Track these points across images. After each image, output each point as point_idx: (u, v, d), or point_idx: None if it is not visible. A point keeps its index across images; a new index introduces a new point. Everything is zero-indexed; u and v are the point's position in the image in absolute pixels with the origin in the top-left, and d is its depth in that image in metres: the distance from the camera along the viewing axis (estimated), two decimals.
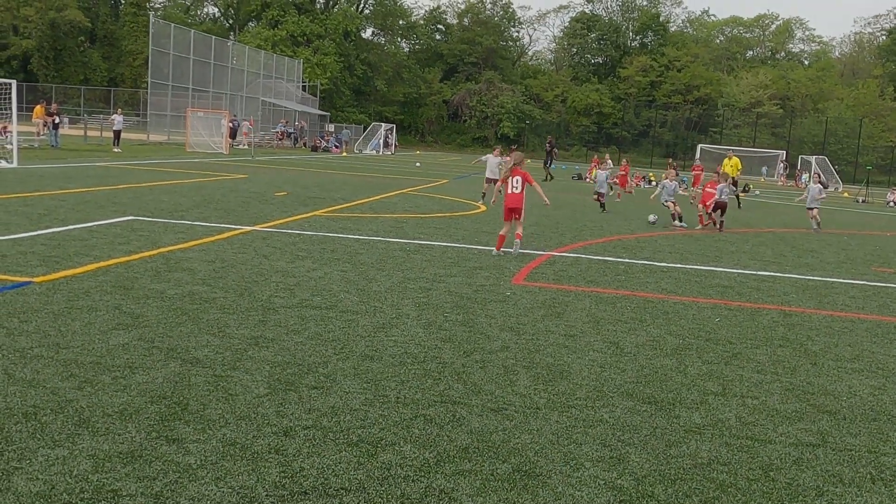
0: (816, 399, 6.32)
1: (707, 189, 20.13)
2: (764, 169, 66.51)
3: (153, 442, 4.55)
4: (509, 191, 12.86)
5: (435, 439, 4.90)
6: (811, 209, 21.72)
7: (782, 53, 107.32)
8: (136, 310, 7.44)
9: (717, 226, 19.32)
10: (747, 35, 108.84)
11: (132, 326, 6.87)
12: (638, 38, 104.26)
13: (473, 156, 74.90)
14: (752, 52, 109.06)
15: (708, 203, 19.70)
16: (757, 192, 42.70)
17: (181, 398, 5.26)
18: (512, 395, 5.85)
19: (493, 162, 22.64)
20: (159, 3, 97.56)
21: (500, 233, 12.82)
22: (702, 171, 31.65)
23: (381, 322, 7.68)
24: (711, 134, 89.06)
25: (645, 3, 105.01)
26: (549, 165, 42.10)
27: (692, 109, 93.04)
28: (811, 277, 12.74)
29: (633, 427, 5.38)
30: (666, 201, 20.10)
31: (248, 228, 13.49)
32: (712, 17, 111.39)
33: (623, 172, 30.93)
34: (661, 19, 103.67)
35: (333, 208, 17.65)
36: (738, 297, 10.43)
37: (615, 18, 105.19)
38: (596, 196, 22.52)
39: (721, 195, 19.40)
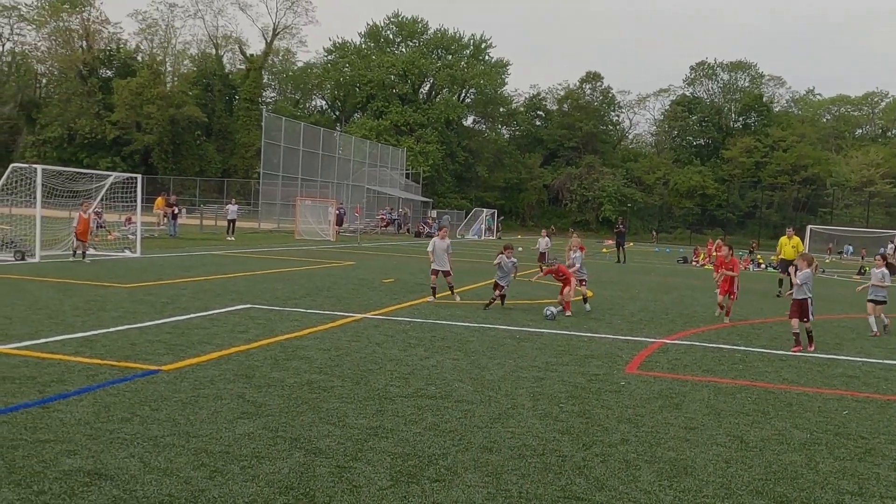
0: None
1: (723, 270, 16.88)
2: (848, 248, 64.42)
3: None
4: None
5: None
6: (872, 301, 15.54)
7: (893, 131, 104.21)
8: (259, 398, 7.64)
9: (809, 343, 12.86)
10: (855, 113, 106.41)
11: (256, 415, 7.05)
12: (741, 118, 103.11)
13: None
14: (861, 130, 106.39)
15: (735, 292, 16.78)
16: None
17: (308, 489, 5.34)
18: (636, 491, 5.71)
19: (440, 246, 17.43)
20: (270, 98, 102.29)
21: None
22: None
23: (496, 412, 7.66)
24: (821, 214, 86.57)
25: (747, 84, 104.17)
26: (623, 246, 41.17)
27: (800, 190, 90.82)
28: None
29: None
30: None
31: (360, 316, 13.74)
32: (818, 97, 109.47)
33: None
34: (764, 100, 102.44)
35: (440, 295, 17.82)
36: (865, 388, 9.98)
37: (717, 100, 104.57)
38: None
39: (800, 290, 12.98)
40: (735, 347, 12.75)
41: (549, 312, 15.08)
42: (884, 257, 16.92)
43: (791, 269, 16.02)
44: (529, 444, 6.67)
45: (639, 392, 8.94)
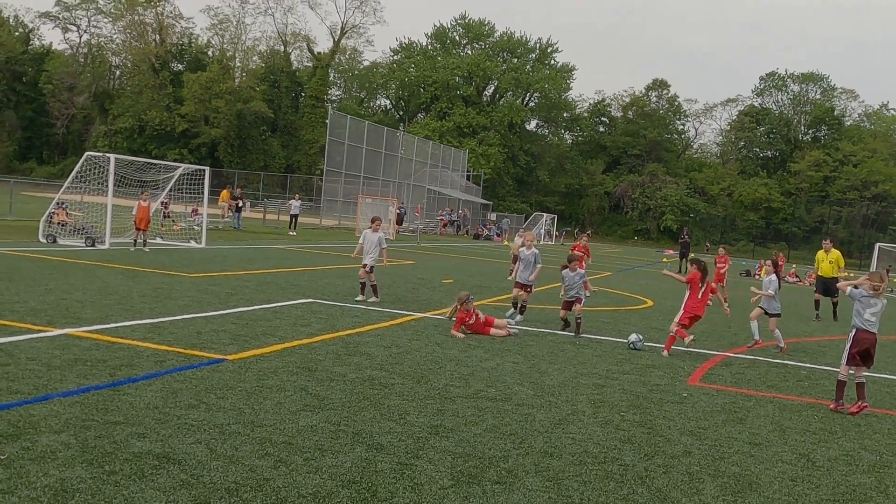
0: None
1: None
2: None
3: None
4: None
5: None
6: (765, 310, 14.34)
7: None
8: (321, 392, 7.72)
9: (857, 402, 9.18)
10: None
11: (319, 408, 7.12)
12: (810, 132, 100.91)
13: (634, 248, 73.85)
14: None
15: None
16: None
17: (370, 484, 5.38)
18: None
19: (370, 239, 15.68)
20: (336, 96, 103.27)
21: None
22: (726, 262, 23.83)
23: (557, 418, 7.62)
24: (891, 232, 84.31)
25: (818, 96, 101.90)
26: (686, 257, 40.61)
27: (869, 206, 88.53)
28: None
29: None
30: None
31: (420, 315, 13.80)
32: (891, 112, 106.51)
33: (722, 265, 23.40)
34: (835, 113, 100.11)
35: (500, 298, 17.79)
36: None
37: (786, 112, 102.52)
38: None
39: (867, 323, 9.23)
40: (800, 364, 12.49)
41: (635, 340, 12.54)
42: (774, 264, 15.33)
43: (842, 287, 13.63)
44: (590, 451, 6.62)
45: (701, 405, 8.81)
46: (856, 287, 9.33)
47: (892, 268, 60.09)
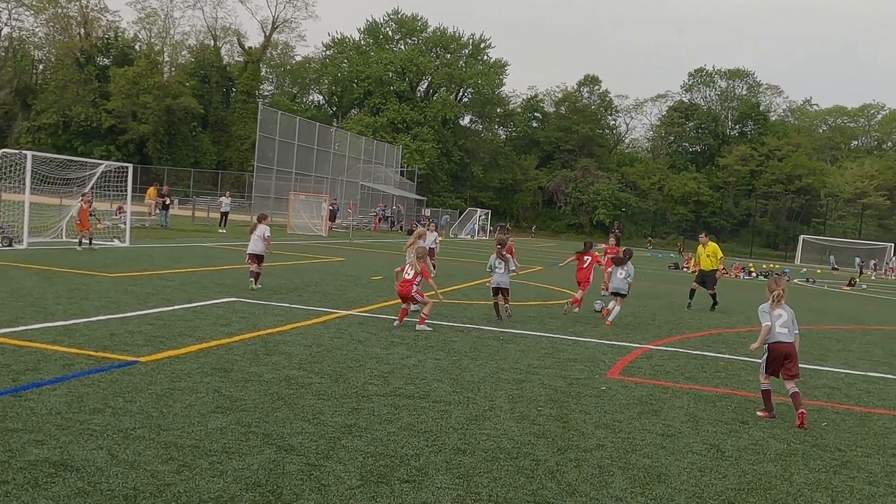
0: None
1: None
2: (857, 259, 60.98)
3: None
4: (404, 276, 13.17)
5: None
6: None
7: (889, 143, 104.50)
8: (235, 393, 7.58)
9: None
10: (852, 125, 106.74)
11: (230, 410, 6.99)
12: (737, 126, 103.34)
13: (568, 243, 74.69)
14: (857, 142, 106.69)
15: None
16: (864, 287, 41.13)
17: (275, 486, 5.29)
18: (607, 497, 5.68)
19: (259, 230, 16.73)
20: (268, 92, 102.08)
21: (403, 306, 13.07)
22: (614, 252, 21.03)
23: (473, 414, 7.62)
24: (814, 224, 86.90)
25: (745, 92, 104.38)
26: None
27: (794, 199, 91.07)
28: None
29: None
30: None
31: (345, 313, 13.69)
32: (815, 107, 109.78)
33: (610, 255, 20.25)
34: (761, 108, 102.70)
35: (427, 294, 17.74)
36: (846, 400, 9.97)
37: (714, 107, 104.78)
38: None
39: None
40: (719, 355, 12.74)
41: (598, 305, 17.25)
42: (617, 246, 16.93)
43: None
44: (504, 447, 6.63)
45: (618, 397, 8.90)
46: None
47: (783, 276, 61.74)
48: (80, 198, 24.02)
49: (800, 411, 8.32)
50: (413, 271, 13.14)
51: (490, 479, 5.84)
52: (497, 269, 14.71)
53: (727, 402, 9.16)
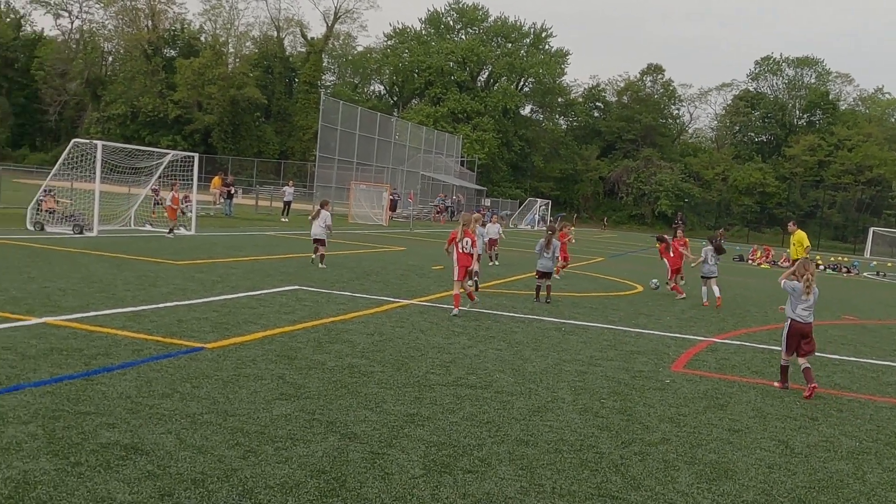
0: None
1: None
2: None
3: None
4: (460, 251, 13.14)
5: None
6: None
7: None
8: (299, 380, 7.66)
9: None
10: None
11: (294, 397, 7.07)
12: (805, 116, 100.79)
13: (630, 234, 73.86)
14: None
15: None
16: None
17: (339, 474, 5.33)
18: (673, 492, 5.59)
19: (321, 216, 19.15)
20: (329, 82, 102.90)
21: (455, 292, 12.98)
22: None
23: (536, 405, 7.57)
24: (886, 216, 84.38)
25: (813, 81, 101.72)
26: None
27: (864, 191, 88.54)
28: None
29: None
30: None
31: (406, 302, 13.74)
32: (886, 96, 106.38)
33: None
34: (830, 97, 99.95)
35: (489, 284, 17.73)
36: None
37: (781, 96, 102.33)
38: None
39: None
40: None
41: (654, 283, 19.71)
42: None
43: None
44: (567, 439, 6.57)
45: (683, 391, 8.77)
46: (791, 277, 9.66)
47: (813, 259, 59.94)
48: (171, 188, 25.66)
49: (812, 385, 8.98)
50: (471, 243, 13.26)
51: (553, 471, 5.79)
52: (544, 254, 15.73)
53: (795, 398, 8.95)
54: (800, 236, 20.82)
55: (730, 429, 7.38)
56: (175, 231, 24.35)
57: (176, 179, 26.80)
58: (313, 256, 18.47)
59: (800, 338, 9.36)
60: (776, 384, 9.49)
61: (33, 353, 7.78)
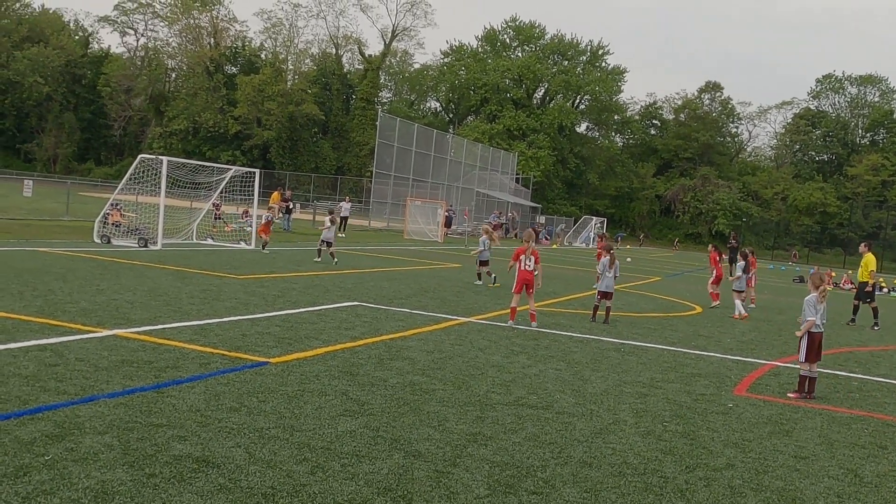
0: None
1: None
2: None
3: None
4: (522, 267, 13.78)
5: None
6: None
7: None
8: (362, 397, 7.75)
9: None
10: None
11: (358, 413, 7.15)
12: (868, 135, 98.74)
13: (685, 252, 72.92)
14: None
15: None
16: None
17: (405, 492, 5.38)
18: None
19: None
20: (386, 99, 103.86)
21: (512, 305, 13.70)
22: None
23: (598, 427, 7.55)
24: None
25: (877, 99, 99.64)
26: (735, 262, 39.54)
27: None
28: None
29: None
30: None
31: (464, 319, 13.78)
32: None
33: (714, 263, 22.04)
34: (894, 116, 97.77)
35: (546, 302, 17.70)
36: None
37: (843, 115, 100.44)
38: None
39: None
40: (851, 375, 12.20)
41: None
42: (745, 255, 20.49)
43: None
44: (630, 462, 6.55)
45: (747, 416, 8.65)
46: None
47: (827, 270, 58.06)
48: (267, 209, 27.45)
49: (811, 395, 9.88)
50: (532, 261, 13.86)
51: (618, 494, 5.77)
52: (606, 274, 15.85)
53: (863, 425, 8.77)
54: (868, 259, 20.47)
55: (796, 455, 7.27)
56: (267, 247, 25.10)
57: (271, 206, 29.40)
58: (328, 252, 22.02)
59: (818, 347, 10.10)
60: (791, 394, 9.97)
61: (105, 364, 8.00)
